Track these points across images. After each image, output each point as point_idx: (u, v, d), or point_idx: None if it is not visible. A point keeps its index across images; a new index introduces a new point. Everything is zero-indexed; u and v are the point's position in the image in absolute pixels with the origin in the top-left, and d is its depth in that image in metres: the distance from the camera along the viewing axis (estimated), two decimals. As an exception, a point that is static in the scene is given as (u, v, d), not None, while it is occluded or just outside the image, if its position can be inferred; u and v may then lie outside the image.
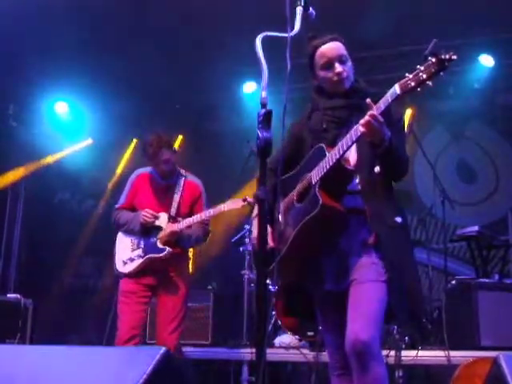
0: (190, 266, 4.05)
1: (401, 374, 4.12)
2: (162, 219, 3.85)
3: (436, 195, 5.61)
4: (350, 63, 2.46)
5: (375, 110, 2.17)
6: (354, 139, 2.22)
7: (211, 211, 3.80)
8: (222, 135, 7.23)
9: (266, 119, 1.86)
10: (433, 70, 2.03)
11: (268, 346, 4.43)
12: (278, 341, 4.74)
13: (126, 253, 3.91)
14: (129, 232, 3.93)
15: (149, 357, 1.97)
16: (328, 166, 2.29)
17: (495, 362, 2.00)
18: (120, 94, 6.96)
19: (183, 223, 3.81)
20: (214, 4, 5.40)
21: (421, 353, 4.20)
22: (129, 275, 3.84)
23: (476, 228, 5.34)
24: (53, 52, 5.88)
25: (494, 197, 6.65)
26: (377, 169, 2.33)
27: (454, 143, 6.86)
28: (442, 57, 2.00)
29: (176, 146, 3.94)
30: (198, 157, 6.91)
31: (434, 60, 2.02)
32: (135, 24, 5.74)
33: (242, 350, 4.63)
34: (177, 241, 3.84)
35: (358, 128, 2.20)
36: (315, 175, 2.35)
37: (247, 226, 5.40)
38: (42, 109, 7.35)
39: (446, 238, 5.82)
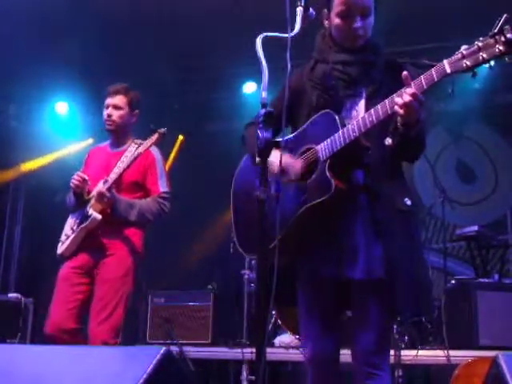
0: (140, 247, 3.43)
1: (400, 373, 4.12)
2: (99, 187, 3.29)
3: (436, 195, 5.62)
4: (372, 18, 2.15)
5: (416, 88, 1.85)
6: (382, 117, 1.93)
7: (125, 160, 3.29)
8: (221, 135, 7.22)
9: (266, 119, 1.85)
10: (497, 51, 1.70)
11: (268, 346, 4.43)
12: (277, 341, 4.74)
13: (65, 231, 3.42)
14: (72, 209, 3.45)
15: (149, 357, 1.97)
16: (343, 144, 2.01)
17: (494, 361, 2.00)
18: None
19: (110, 180, 3.25)
20: (215, 4, 5.40)
21: (420, 352, 4.20)
22: (66, 256, 3.34)
23: (475, 228, 5.35)
24: (53, 52, 5.88)
25: (494, 197, 6.65)
26: (388, 141, 2.04)
27: (453, 143, 6.86)
28: None
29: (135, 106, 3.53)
30: (198, 157, 6.91)
31: (502, 39, 1.68)
32: (135, 24, 5.73)
33: (242, 350, 4.63)
34: (112, 209, 3.27)
35: (392, 106, 1.90)
36: (324, 151, 2.06)
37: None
38: (42, 109, 7.34)
39: (445, 238, 5.82)
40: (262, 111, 1.85)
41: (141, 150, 3.23)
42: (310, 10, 2.17)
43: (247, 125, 2.42)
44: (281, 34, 1.99)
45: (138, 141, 3.47)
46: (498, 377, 1.92)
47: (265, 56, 1.94)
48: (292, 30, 2.01)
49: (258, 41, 1.96)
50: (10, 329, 5.36)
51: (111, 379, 1.99)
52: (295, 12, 2.12)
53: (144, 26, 5.75)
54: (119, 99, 3.50)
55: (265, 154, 1.83)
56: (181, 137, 7.27)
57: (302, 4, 2.14)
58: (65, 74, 6.20)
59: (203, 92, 7.07)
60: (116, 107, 3.50)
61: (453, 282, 4.82)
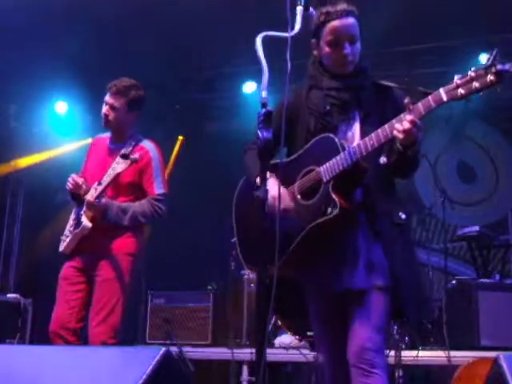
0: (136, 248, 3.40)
1: (401, 374, 4.12)
2: (90, 194, 3.23)
3: (436, 195, 5.61)
4: (359, 44, 2.27)
5: (415, 115, 1.99)
6: (383, 141, 2.06)
7: (109, 173, 3.17)
8: (222, 135, 7.22)
9: (266, 119, 1.85)
10: (488, 81, 1.83)
11: (268, 346, 4.42)
12: (277, 341, 4.74)
13: (66, 231, 3.42)
14: (73, 206, 3.44)
15: (149, 357, 1.97)
16: (345, 166, 2.11)
17: (495, 362, 2.00)
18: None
19: (99, 189, 3.16)
20: (215, 4, 5.39)
21: (421, 353, 4.20)
22: (66, 255, 3.36)
23: (476, 228, 5.35)
24: (53, 52, 5.88)
25: (494, 197, 6.65)
26: (383, 160, 2.16)
27: (454, 143, 6.86)
28: (508, 68, 1.79)
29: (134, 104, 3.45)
30: (198, 157, 6.91)
31: (493, 70, 1.81)
32: (135, 24, 5.73)
33: (242, 350, 4.63)
34: (102, 215, 3.21)
35: (392, 130, 2.02)
36: (327, 172, 2.16)
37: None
38: (42, 109, 7.34)
39: (446, 238, 5.82)
40: (262, 111, 1.85)
41: (119, 170, 3.13)
42: (310, 9, 2.17)
43: (246, 149, 2.47)
44: (281, 34, 1.99)
45: (140, 137, 3.47)
46: (499, 377, 1.91)
47: (265, 56, 1.93)
48: (292, 29, 2.01)
49: (258, 40, 1.96)
50: (9, 329, 5.36)
51: (111, 379, 1.99)
52: (295, 11, 2.12)
53: (144, 26, 5.74)
54: (117, 100, 3.41)
55: (265, 153, 1.84)
56: (181, 137, 7.27)
57: (302, 3, 2.15)
58: (64, 73, 6.20)
59: (203, 92, 7.06)
60: (112, 107, 3.42)
61: (453, 282, 4.82)
